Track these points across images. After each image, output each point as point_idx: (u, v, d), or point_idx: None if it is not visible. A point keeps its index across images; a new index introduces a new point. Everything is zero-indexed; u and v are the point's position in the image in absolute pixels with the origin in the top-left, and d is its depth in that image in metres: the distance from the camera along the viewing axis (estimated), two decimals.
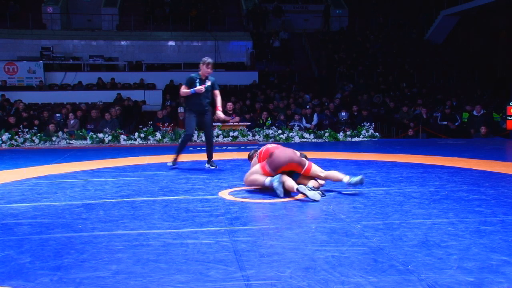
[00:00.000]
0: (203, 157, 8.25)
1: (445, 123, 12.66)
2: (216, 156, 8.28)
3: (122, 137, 11.43)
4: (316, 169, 4.87)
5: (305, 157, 5.11)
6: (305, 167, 4.80)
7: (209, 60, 6.72)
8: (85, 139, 11.39)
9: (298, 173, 4.85)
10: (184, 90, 6.69)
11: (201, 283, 2.40)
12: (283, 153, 4.79)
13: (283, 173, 4.76)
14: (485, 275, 2.46)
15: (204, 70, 6.68)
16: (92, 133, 11.53)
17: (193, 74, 6.80)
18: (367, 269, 2.56)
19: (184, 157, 8.22)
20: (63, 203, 4.40)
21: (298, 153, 4.96)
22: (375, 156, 7.92)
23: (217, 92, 6.81)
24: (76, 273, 2.57)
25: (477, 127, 11.94)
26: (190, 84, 6.68)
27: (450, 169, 6.34)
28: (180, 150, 6.98)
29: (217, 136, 11.60)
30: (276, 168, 4.73)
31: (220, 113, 6.77)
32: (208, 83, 6.71)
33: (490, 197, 4.46)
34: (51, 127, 11.75)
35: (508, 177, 5.67)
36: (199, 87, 6.60)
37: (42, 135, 11.42)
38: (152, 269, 2.61)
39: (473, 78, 19.00)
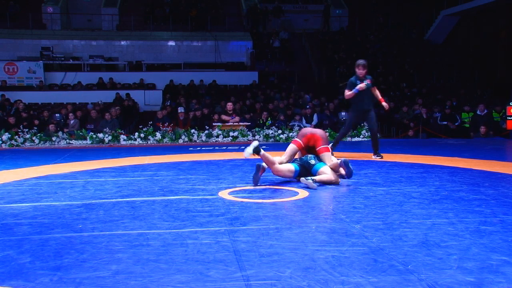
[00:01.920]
0: (203, 157, 8.27)
1: (445, 123, 12.67)
2: (216, 156, 8.30)
3: (122, 137, 11.44)
4: (326, 156, 5.41)
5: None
6: (320, 147, 5.43)
7: (359, 62, 7.26)
8: (85, 139, 11.40)
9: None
10: (348, 93, 7.28)
11: (201, 283, 2.40)
12: (308, 128, 5.87)
13: (308, 145, 5.54)
14: (485, 275, 2.46)
15: (358, 72, 7.26)
16: (92, 133, 11.53)
17: (352, 78, 7.35)
18: (367, 269, 2.56)
19: (184, 157, 8.23)
20: (63, 203, 4.40)
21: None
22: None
23: (373, 88, 7.46)
24: (76, 273, 2.57)
25: (479, 127, 11.95)
26: (351, 86, 7.24)
27: (450, 169, 6.34)
28: (336, 142, 7.71)
29: (217, 136, 11.60)
30: (301, 136, 5.60)
31: (385, 104, 7.51)
32: (368, 81, 7.24)
33: (490, 197, 4.46)
34: (51, 127, 11.75)
35: (508, 177, 5.67)
36: (361, 85, 7.17)
37: (42, 135, 11.42)
38: (152, 269, 2.61)
39: (473, 78, 19.00)
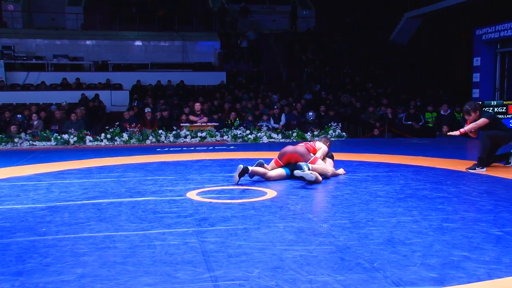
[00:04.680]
0: (171, 158, 8.20)
1: (410, 123, 12.95)
2: (184, 157, 8.24)
3: (88, 138, 11.22)
4: (318, 167, 5.48)
5: (331, 156, 6.17)
6: (309, 161, 5.51)
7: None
8: (49, 140, 11.13)
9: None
10: None
11: (169, 285, 2.39)
12: (290, 146, 5.84)
13: (289, 163, 5.68)
14: (447, 270, 2.53)
15: None
16: (57, 134, 11.27)
17: None
18: (334, 268, 2.59)
19: (151, 158, 8.14)
20: (26, 206, 4.28)
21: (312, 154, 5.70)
22: (342, 156, 8.01)
23: None
24: (39, 277, 2.50)
25: (442, 126, 12.26)
26: None
27: (414, 168, 6.49)
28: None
29: (185, 137, 11.53)
30: (280, 156, 5.76)
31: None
32: None
33: (452, 194, 4.59)
34: (13, 128, 11.42)
35: (469, 175, 5.85)
36: None
37: (3, 136, 11.09)
38: (119, 271, 2.57)
39: (435, 79, 19.47)
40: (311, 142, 6.05)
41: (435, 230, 3.31)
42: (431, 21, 21.33)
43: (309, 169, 5.25)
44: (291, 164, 5.68)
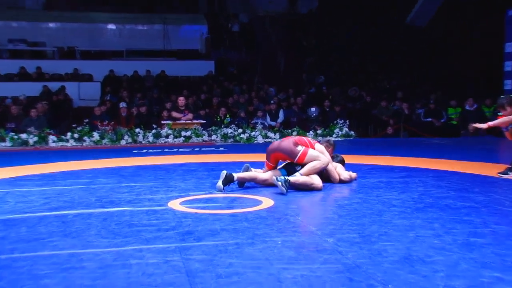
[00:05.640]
0: (150, 161, 8.19)
1: (430, 119, 12.99)
2: (165, 160, 8.23)
3: (51, 138, 11.19)
4: (309, 169, 5.40)
5: (342, 161, 6.15)
6: (297, 157, 5.44)
7: None
8: (4, 140, 11.09)
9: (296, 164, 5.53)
10: None
11: None
12: (275, 143, 5.80)
13: (280, 163, 5.75)
14: None
15: None
16: (13, 134, 11.23)
17: None
18: None
19: (127, 161, 8.12)
20: None
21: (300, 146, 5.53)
22: (350, 159, 8.01)
23: None
24: None
25: (468, 124, 12.28)
26: None
27: (435, 173, 6.50)
28: None
29: (167, 136, 11.52)
30: (267, 156, 5.70)
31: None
32: None
33: (481, 204, 4.59)
34: None
35: (500, 181, 5.86)
36: None
37: None
38: None
39: (460, 67, 19.50)
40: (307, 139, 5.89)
41: (460, 246, 3.31)
42: (453, 0, 21.39)
43: (301, 175, 5.29)
44: (282, 162, 5.71)
